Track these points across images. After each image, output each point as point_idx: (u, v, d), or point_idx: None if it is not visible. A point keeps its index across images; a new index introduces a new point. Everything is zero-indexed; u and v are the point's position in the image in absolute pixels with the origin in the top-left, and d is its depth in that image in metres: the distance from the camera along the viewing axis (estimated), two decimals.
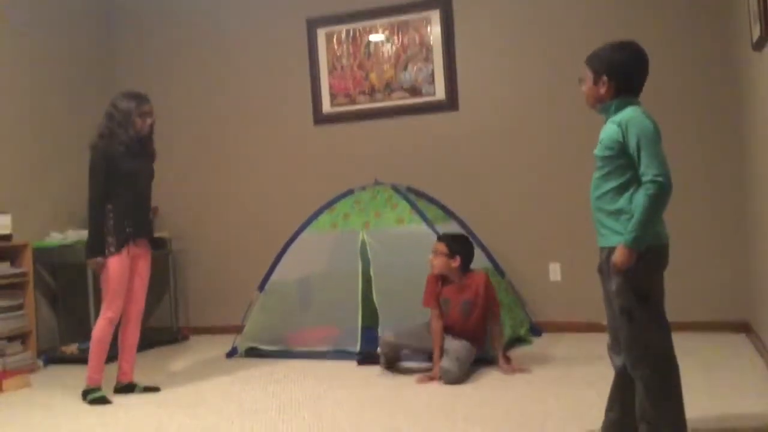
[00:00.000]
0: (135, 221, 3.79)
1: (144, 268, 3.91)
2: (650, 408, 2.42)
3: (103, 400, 3.70)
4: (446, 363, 3.70)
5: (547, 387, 3.52)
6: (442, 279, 3.96)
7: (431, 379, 3.76)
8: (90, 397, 3.72)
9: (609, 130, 2.47)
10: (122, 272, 3.74)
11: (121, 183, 3.74)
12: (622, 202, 2.43)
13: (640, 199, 2.36)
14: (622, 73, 2.48)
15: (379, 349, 4.04)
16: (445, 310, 3.91)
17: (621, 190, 2.44)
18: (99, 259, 3.71)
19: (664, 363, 2.44)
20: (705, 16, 4.58)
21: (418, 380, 3.77)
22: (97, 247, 3.71)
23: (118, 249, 3.72)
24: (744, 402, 3.07)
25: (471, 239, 4.15)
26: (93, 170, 3.74)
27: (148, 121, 3.82)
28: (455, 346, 3.78)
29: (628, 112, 2.43)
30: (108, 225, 3.72)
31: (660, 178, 2.32)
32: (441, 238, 4.03)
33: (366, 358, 4.18)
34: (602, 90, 2.50)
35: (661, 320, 2.45)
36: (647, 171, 2.34)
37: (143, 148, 3.86)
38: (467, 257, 3.97)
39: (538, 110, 4.95)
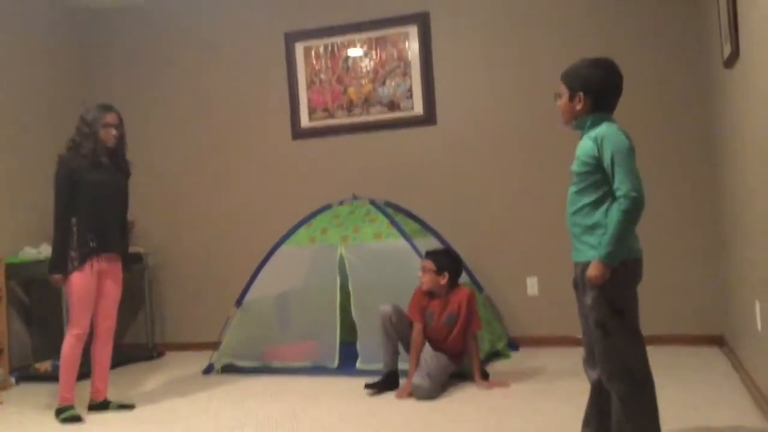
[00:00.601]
0: (99, 236, 3.70)
1: (112, 284, 3.82)
2: (626, 421, 2.44)
3: (76, 419, 3.64)
4: (417, 379, 3.71)
5: (524, 401, 3.53)
6: (429, 293, 3.97)
7: (405, 392, 3.75)
8: (62, 416, 3.66)
9: (585, 145, 2.50)
10: (86, 288, 3.67)
11: (85, 196, 3.67)
12: (597, 216, 2.46)
13: (614, 214, 2.39)
14: (598, 90, 2.52)
15: (379, 324, 3.95)
16: (429, 323, 3.92)
17: (596, 205, 2.47)
18: (58, 275, 3.64)
19: (639, 376, 2.46)
20: (677, 33, 4.66)
21: (398, 395, 3.76)
22: (57, 262, 3.64)
23: (81, 264, 3.65)
24: (718, 415, 3.10)
25: (458, 255, 4.15)
26: (56, 183, 3.69)
27: (113, 132, 3.74)
28: (428, 361, 3.79)
29: (603, 128, 2.47)
30: (72, 239, 3.65)
31: (633, 194, 2.36)
32: (429, 254, 4.04)
33: (379, 386, 3.91)
34: (578, 106, 2.53)
35: (635, 334, 2.48)
36: (621, 186, 2.38)
37: (113, 162, 3.80)
38: (455, 274, 4.01)
39: (515, 125, 5.00)
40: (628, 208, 2.36)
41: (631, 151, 2.42)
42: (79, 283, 3.65)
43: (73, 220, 3.66)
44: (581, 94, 2.52)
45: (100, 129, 3.71)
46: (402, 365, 3.94)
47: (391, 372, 3.91)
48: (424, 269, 3.97)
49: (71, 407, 3.70)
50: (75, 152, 3.70)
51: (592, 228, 2.47)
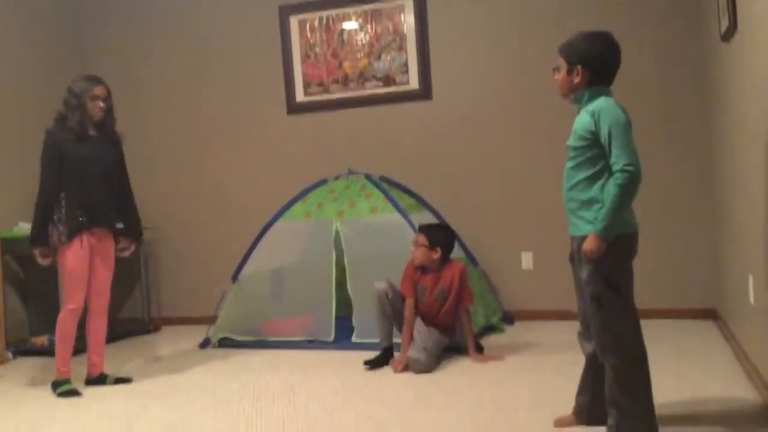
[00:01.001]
0: (89, 210, 3.67)
1: (103, 260, 3.79)
2: (619, 393, 2.47)
3: (73, 393, 3.67)
4: (414, 353, 3.74)
5: (519, 374, 3.57)
6: (421, 268, 3.98)
7: (400, 365, 3.78)
8: (59, 390, 3.68)
9: (582, 120, 2.50)
10: (77, 263, 3.65)
11: (72, 170, 3.63)
12: (594, 191, 2.47)
13: (610, 188, 2.40)
14: (596, 63, 2.51)
15: (375, 301, 3.96)
16: (421, 298, 3.94)
17: (593, 179, 2.47)
18: (39, 249, 3.62)
19: (633, 350, 2.49)
20: (675, 7, 4.64)
21: (394, 367, 3.79)
22: (37, 236, 3.62)
23: (70, 238, 3.62)
24: (711, 387, 3.14)
25: (451, 229, 4.15)
26: (43, 156, 3.65)
27: (100, 104, 3.69)
28: (423, 336, 3.81)
29: (601, 102, 2.47)
30: (60, 213, 3.62)
31: (630, 168, 2.36)
32: (422, 229, 4.04)
33: (376, 363, 3.91)
34: (576, 80, 2.53)
35: (630, 308, 2.50)
36: (618, 161, 2.38)
37: (102, 135, 3.75)
38: (448, 248, 4.01)
39: (511, 100, 4.98)
40: (625, 183, 2.36)
41: (628, 126, 2.42)
42: (71, 258, 3.64)
43: (62, 194, 3.64)
44: (579, 67, 2.51)
45: (88, 101, 3.66)
46: (397, 340, 3.97)
47: (387, 348, 3.94)
48: (416, 244, 3.97)
49: (68, 381, 3.72)
50: (62, 125, 3.66)
51: (588, 203, 2.48)
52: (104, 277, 3.81)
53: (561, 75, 2.57)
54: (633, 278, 2.53)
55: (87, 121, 3.67)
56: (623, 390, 2.47)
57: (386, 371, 3.79)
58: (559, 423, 2.76)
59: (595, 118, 2.44)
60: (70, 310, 3.69)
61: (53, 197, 3.63)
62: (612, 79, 2.55)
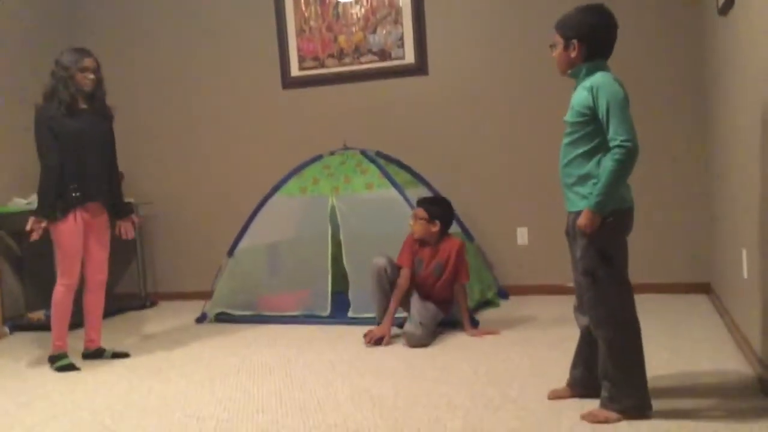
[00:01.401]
0: (82, 185, 3.63)
1: (102, 233, 3.78)
2: (612, 367, 2.50)
3: (70, 367, 3.69)
4: (410, 327, 3.76)
5: (513, 348, 3.60)
6: (420, 241, 3.99)
7: (375, 335, 3.78)
8: (57, 364, 3.70)
9: (579, 95, 2.50)
10: (72, 238, 3.63)
11: (65, 145, 3.58)
12: (590, 166, 2.47)
13: (607, 163, 2.40)
14: (592, 36, 2.50)
15: (374, 277, 3.96)
16: (418, 270, 3.95)
17: (590, 155, 2.48)
18: (40, 222, 3.56)
19: (626, 324, 2.51)
20: None
21: (369, 339, 3.79)
22: (44, 208, 3.56)
23: (64, 214, 3.60)
24: (704, 360, 3.18)
25: (449, 203, 4.12)
26: (37, 133, 3.59)
27: (90, 76, 3.63)
28: (419, 309, 3.83)
29: (598, 77, 2.46)
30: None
31: (628, 143, 2.36)
32: (420, 203, 4.05)
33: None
34: (573, 54, 2.52)
35: (623, 282, 2.52)
36: (615, 136, 2.38)
37: (93, 108, 3.69)
38: (447, 222, 4.02)
39: (508, 75, 4.96)
40: (622, 158, 2.37)
41: (625, 101, 2.42)
42: (65, 233, 3.62)
43: None
44: (575, 41, 2.50)
45: (77, 73, 3.60)
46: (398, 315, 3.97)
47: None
48: (415, 217, 3.98)
49: (65, 355, 3.74)
50: (51, 100, 3.60)
51: (584, 178, 2.48)
52: (101, 254, 3.81)
53: (558, 51, 2.57)
54: (627, 253, 2.54)
55: (77, 93, 3.61)
56: (616, 363, 2.50)
57: (381, 347, 3.80)
58: (554, 395, 2.79)
59: (594, 93, 2.43)
60: (65, 285, 3.69)
61: (57, 174, 3.57)
62: (609, 51, 2.54)
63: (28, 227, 3.62)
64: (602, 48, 2.52)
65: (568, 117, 2.53)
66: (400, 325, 3.91)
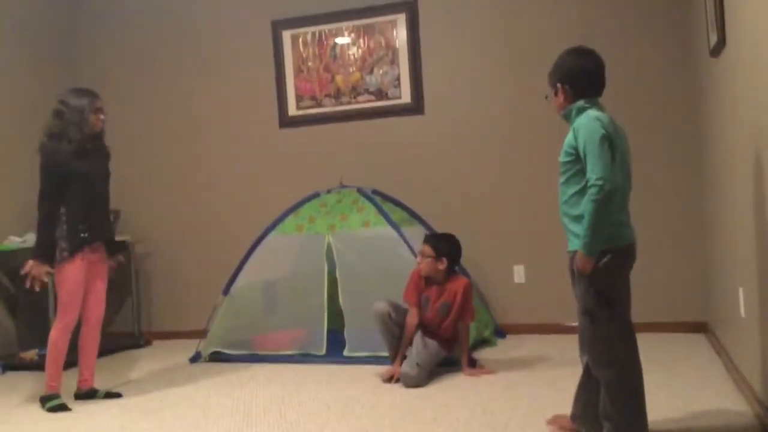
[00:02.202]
0: (90, 225, 3.66)
1: (102, 272, 3.80)
2: (612, 408, 2.48)
3: (62, 408, 3.63)
4: (406, 367, 3.73)
5: (510, 388, 3.56)
6: (426, 278, 3.96)
7: (388, 373, 3.79)
8: (48, 404, 3.65)
9: (568, 136, 2.54)
10: (77, 280, 3.63)
11: (74, 185, 3.60)
12: (582, 206, 2.48)
13: (586, 204, 2.40)
14: (575, 77, 2.55)
15: (378, 322, 3.93)
16: (424, 308, 3.92)
17: (581, 194, 2.49)
18: (42, 266, 3.55)
19: (625, 365, 2.49)
20: (664, 21, 4.68)
21: (382, 376, 3.80)
22: (44, 252, 3.56)
23: (72, 255, 3.59)
24: (702, 400, 3.15)
25: (457, 240, 4.07)
26: (44, 174, 3.59)
27: (102, 117, 3.69)
28: (419, 349, 3.80)
29: (582, 118, 2.48)
30: (61, 229, 3.58)
31: (600, 181, 2.35)
32: (427, 239, 4.02)
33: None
34: (561, 98, 2.57)
35: (623, 322, 2.50)
36: (590, 175, 2.39)
37: (95, 148, 3.73)
38: (454, 258, 3.99)
39: (502, 114, 5.01)
40: (597, 197, 2.35)
41: (603, 139, 2.39)
42: (71, 275, 3.61)
43: (62, 210, 3.60)
44: (559, 84, 2.57)
45: (91, 115, 3.64)
46: None
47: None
48: (422, 254, 3.95)
49: (57, 396, 3.69)
50: (59, 141, 3.60)
51: (578, 218, 2.49)
52: (100, 288, 3.80)
53: (554, 100, 2.62)
54: (630, 292, 2.52)
55: (88, 135, 3.65)
56: (615, 404, 2.47)
57: (377, 385, 3.77)
58: (554, 420, 2.82)
59: (576, 133, 2.47)
60: (65, 324, 3.66)
61: (56, 214, 3.58)
62: (597, 89, 2.57)
63: (25, 270, 3.59)
64: (587, 87, 2.55)
65: (561, 157, 2.56)
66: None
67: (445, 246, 3.97)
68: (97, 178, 3.73)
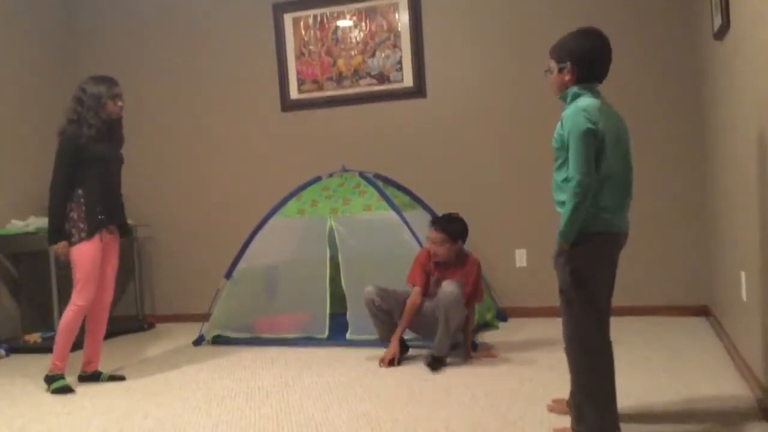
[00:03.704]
0: (107, 207, 3.73)
1: (114, 255, 3.87)
2: (576, 389, 2.51)
3: (67, 389, 3.65)
4: (449, 286, 3.66)
5: (512, 371, 3.57)
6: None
7: (388, 357, 3.75)
8: (54, 386, 3.66)
9: (558, 124, 2.52)
10: (95, 259, 3.67)
11: (92, 169, 3.66)
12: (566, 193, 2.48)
13: (567, 196, 2.41)
14: (584, 59, 2.51)
15: (366, 308, 3.93)
16: (433, 289, 3.83)
17: (567, 182, 2.48)
18: (60, 244, 3.63)
19: (591, 348, 2.48)
20: (668, 4, 4.65)
21: (381, 360, 3.77)
22: (57, 232, 3.62)
23: (90, 235, 3.64)
24: (703, 384, 3.15)
25: (460, 217, 3.98)
26: (60, 156, 3.65)
27: (120, 103, 3.76)
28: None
29: (570, 108, 2.46)
30: (79, 211, 3.63)
31: (577, 177, 2.37)
32: (437, 225, 3.88)
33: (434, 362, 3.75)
34: (566, 78, 2.53)
35: (596, 307, 2.47)
36: (571, 170, 2.40)
37: (112, 133, 3.79)
38: (466, 236, 3.91)
39: (505, 97, 4.98)
40: (573, 191, 2.38)
41: (587, 134, 2.37)
42: (90, 254, 3.65)
43: (80, 192, 3.64)
44: (568, 65, 2.52)
45: (109, 102, 3.70)
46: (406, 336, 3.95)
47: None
48: (434, 241, 3.84)
49: (62, 377, 3.70)
50: (78, 125, 3.65)
51: (562, 204, 2.49)
52: (113, 273, 3.87)
53: (554, 75, 2.58)
54: (608, 279, 2.50)
55: (106, 120, 3.71)
56: (580, 386, 2.50)
57: (380, 369, 3.77)
58: (553, 406, 2.84)
59: (562, 123, 2.46)
60: (80, 307, 3.67)
61: (67, 196, 3.64)
62: (602, 74, 2.54)
63: (57, 255, 3.75)
64: (594, 71, 2.52)
65: (552, 143, 2.55)
66: (406, 347, 3.92)
67: (456, 227, 3.88)
68: (113, 162, 3.81)
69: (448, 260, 3.88)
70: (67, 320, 3.68)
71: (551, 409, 2.88)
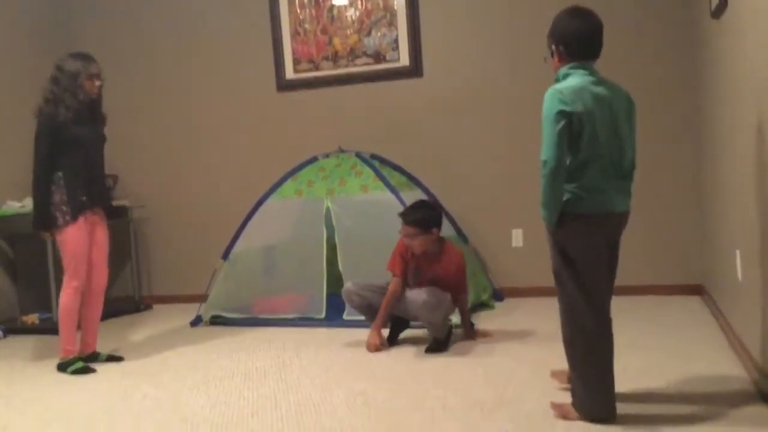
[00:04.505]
0: (89, 189, 3.67)
1: (102, 237, 3.81)
2: (570, 367, 2.53)
3: (86, 370, 3.66)
4: (421, 294, 3.58)
5: (509, 350, 3.59)
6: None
7: (374, 343, 3.71)
8: (72, 368, 3.66)
9: None
10: (81, 241, 3.65)
11: (71, 150, 3.60)
12: None
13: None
14: (569, 37, 2.50)
15: (345, 301, 3.96)
16: (416, 278, 3.77)
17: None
18: (48, 232, 3.63)
19: (584, 328, 2.48)
20: None
21: (368, 346, 3.73)
22: (43, 219, 3.59)
23: (74, 218, 3.61)
24: (698, 363, 3.16)
25: (431, 202, 3.96)
26: (38, 138, 3.58)
27: (97, 83, 3.67)
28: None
29: (549, 90, 2.44)
30: (61, 194, 3.59)
31: (544, 158, 2.38)
32: (407, 218, 3.71)
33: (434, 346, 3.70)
34: (557, 58, 2.54)
35: (587, 286, 2.47)
36: (541, 152, 2.40)
37: (92, 113, 3.71)
38: (439, 223, 3.76)
39: (502, 76, 4.96)
40: (542, 173, 2.40)
41: (558, 117, 2.36)
42: (74, 236, 3.62)
43: (60, 174, 3.59)
44: (554, 45, 2.53)
45: (85, 80, 3.61)
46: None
47: (393, 322, 3.88)
48: (408, 235, 3.69)
49: (77, 359, 3.71)
50: (55, 106, 3.58)
51: None
52: (103, 255, 3.82)
53: (552, 60, 2.58)
54: (598, 259, 2.50)
55: (84, 100, 3.62)
56: (572, 364, 2.52)
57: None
58: (556, 374, 2.90)
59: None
60: (74, 288, 3.67)
61: (50, 179, 3.59)
62: (590, 50, 2.51)
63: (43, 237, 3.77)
64: (580, 49, 2.49)
65: None
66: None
67: (424, 216, 3.71)
68: (94, 143, 3.73)
69: (427, 250, 3.74)
70: (64, 303, 3.67)
71: (553, 376, 2.92)
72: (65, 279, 3.68)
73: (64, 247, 3.65)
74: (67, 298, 3.67)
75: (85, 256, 3.68)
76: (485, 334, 3.89)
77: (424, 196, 4.58)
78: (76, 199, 3.62)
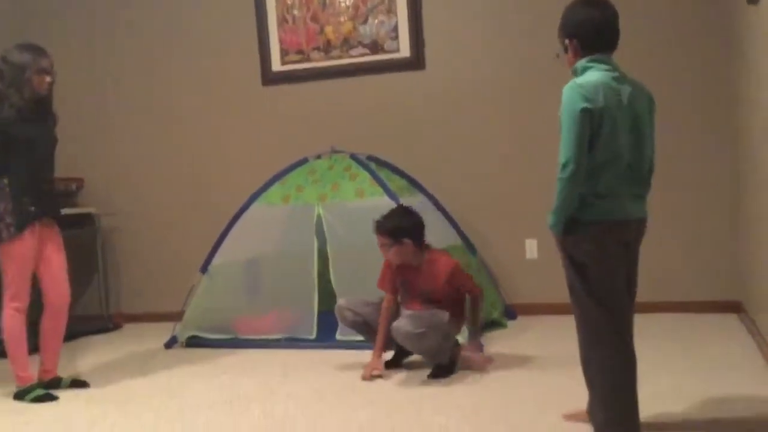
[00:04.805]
0: (37, 197, 3.62)
1: (57, 249, 3.77)
2: (592, 397, 2.54)
3: (48, 397, 3.64)
4: (404, 324, 3.55)
5: (520, 373, 3.59)
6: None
7: (369, 371, 3.68)
8: (30, 397, 3.64)
9: None
10: (27, 257, 3.60)
11: (18, 154, 3.54)
12: None
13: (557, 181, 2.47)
14: (582, 29, 2.54)
15: (338, 319, 3.96)
16: (406, 295, 3.78)
17: None
18: None
19: (599, 342, 2.50)
20: None
21: (363, 375, 3.70)
22: None
23: (20, 230, 3.55)
24: (735, 386, 3.16)
25: (408, 208, 3.85)
26: None
27: (47, 79, 3.61)
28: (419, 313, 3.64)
29: (569, 85, 2.47)
30: (5, 203, 3.54)
31: (562, 160, 2.41)
32: (378, 228, 3.73)
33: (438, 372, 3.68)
34: (571, 54, 2.58)
35: (603, 300, 2.48)
36: (560, 152, 2.43)
37: (40, 112, 3.66)
38: (416, 233, 3.73)
39: (512, 70, 4.98)
40: (560, 176, 2.43)
41: (579, 115, 2.38)
42: (19, 252, 3.58)
43: (5, 182, 3.56)
44: (567, 40, 2.57)
45: (33, 75, 3.56)
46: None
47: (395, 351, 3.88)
48: (381, 246, 3.71)
49: (36, 386, 3.69)
50: (1, 103, 3.54)
51: None
52: (57, 268, 3.77)
53: (566, 55, 2.61)
54: (612, 271, 2.50)
55: (31, 97, 3.58)
56: (589, 381, 2.54)
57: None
58: (569, 416, 2.85)
59: (561, 102, 2.47)
60: (16, 309, 3.63)
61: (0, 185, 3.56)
62: (607, 43, 2.54)
63: None
64: (595, 42, 2.53)
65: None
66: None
67: (398, 224, 3.68)
68: (43, 145, 3.67)
69: (411, 262, 3.74)
70: (8, 328, 3.63)
71: (567, 419, 2.88)
72: (5, 299, 3.63)
73: (6, 264, 3.60)
74: (10, 321, 3.63)
75: (29, 274, 3.64)
76: (483, 363, 3.74)
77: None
78: (22, 209, 3.57)
